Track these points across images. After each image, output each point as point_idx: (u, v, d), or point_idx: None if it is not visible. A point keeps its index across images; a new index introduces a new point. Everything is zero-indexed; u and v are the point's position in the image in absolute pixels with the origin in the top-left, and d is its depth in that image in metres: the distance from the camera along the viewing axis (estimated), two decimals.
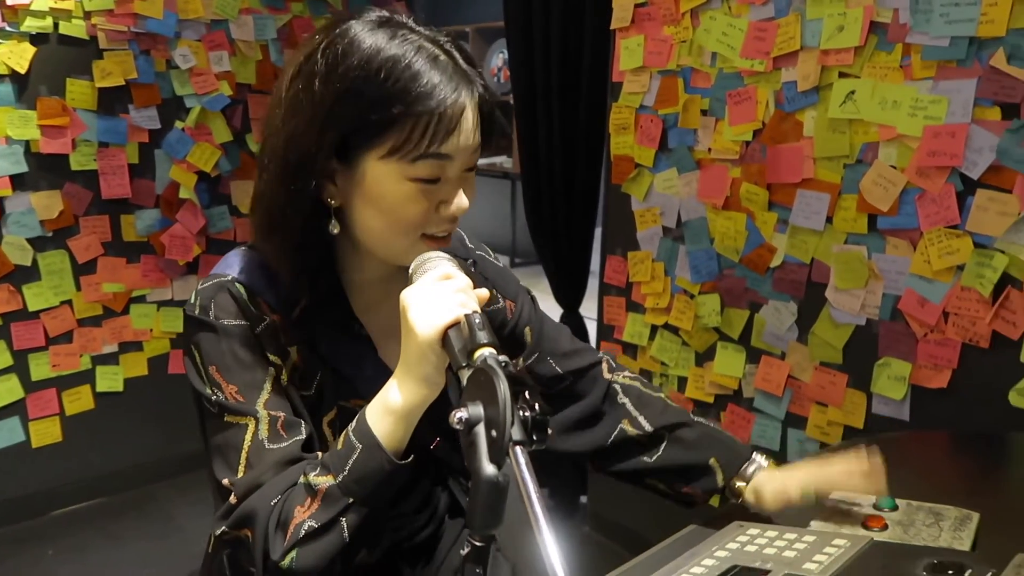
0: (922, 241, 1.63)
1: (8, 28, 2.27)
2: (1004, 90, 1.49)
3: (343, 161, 0.84)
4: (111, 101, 2.48)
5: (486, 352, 0.67)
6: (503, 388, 0.61)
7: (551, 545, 0.54)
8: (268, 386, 0.86)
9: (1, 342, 2.39)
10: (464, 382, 0.69)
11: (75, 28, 2.37)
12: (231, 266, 0.89)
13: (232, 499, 0.82)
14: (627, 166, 2.20)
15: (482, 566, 0.61)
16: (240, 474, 0.83)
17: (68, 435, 2.55)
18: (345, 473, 0.78)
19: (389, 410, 0.79)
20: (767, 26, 1.85)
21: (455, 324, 0.74)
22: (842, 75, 1.73)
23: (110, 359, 2.61)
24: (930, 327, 1.64)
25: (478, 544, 0.61)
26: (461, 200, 0.86)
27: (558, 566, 0.53)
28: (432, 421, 0.84)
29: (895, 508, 1.01)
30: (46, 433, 2.51)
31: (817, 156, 1.79)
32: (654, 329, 2.20)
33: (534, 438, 0.61)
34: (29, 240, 2.40)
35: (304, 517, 0.78)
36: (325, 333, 0.90)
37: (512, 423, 0.59)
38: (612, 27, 2.17)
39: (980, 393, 1.58)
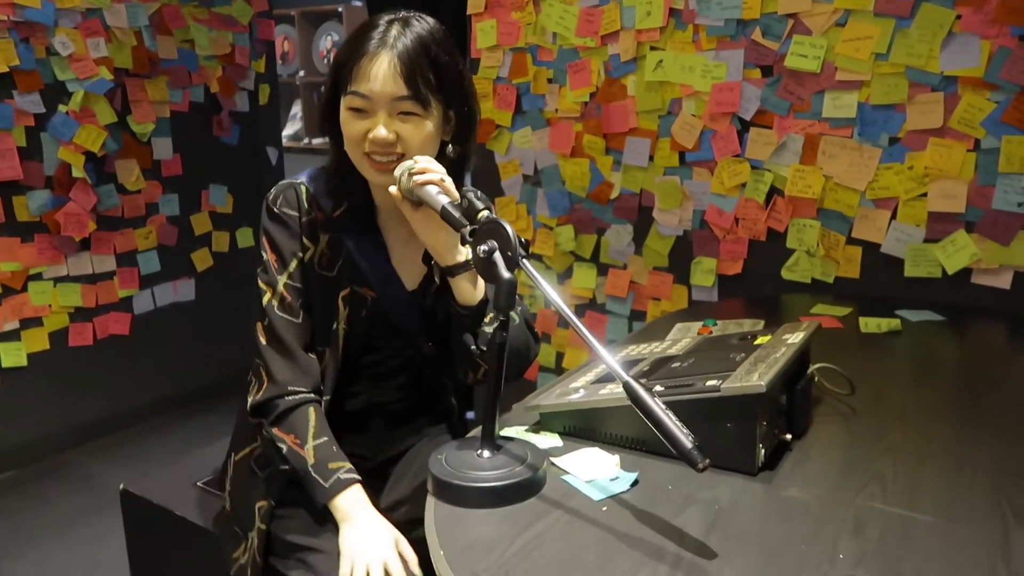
0: (717, 168, 2.24)
1: None
2: (762, 56, 2.12)
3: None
4: None
5: (485, 212, 1.10)
6: (510, 228, 1.05)
7: (574, 319, 1.00)
8: (293, 265, 1.26)
9: None
10: (469, 235, 1.10)
11: None
12: (304, 174, 1.30)
13: (264, 381, 1.23)
14: (489, 127, 2.67)
15: (505, 332, 1.06)
16: (261, 322, 1.25)
17: None
18: (305, 475, 1.17)
19: (341, 508, 1.15)
20: (594, 12, 2.38)
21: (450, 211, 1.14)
22: (652, 48, 2.29)
23: (12, 336, 2.72)
24: (727, 230, 2.26)
25: (503, 319, 1.06)
26: (378, 131, 1.16)
27: (587, 335, 0.98)
28: (425, 330, 1.30)
29: (716, 324, 1.57)
30: None
31: (639, 110, 2.35)
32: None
33: (528, 253, 1.06)
34: None
35: (286, 441, 1.20)
36: (353, 233, 1.29)
37: (520, 245, 1.04)
38: (468, 12, 2.62)
39: (763, 273, 2.22)
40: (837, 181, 2.05)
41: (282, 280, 1.25)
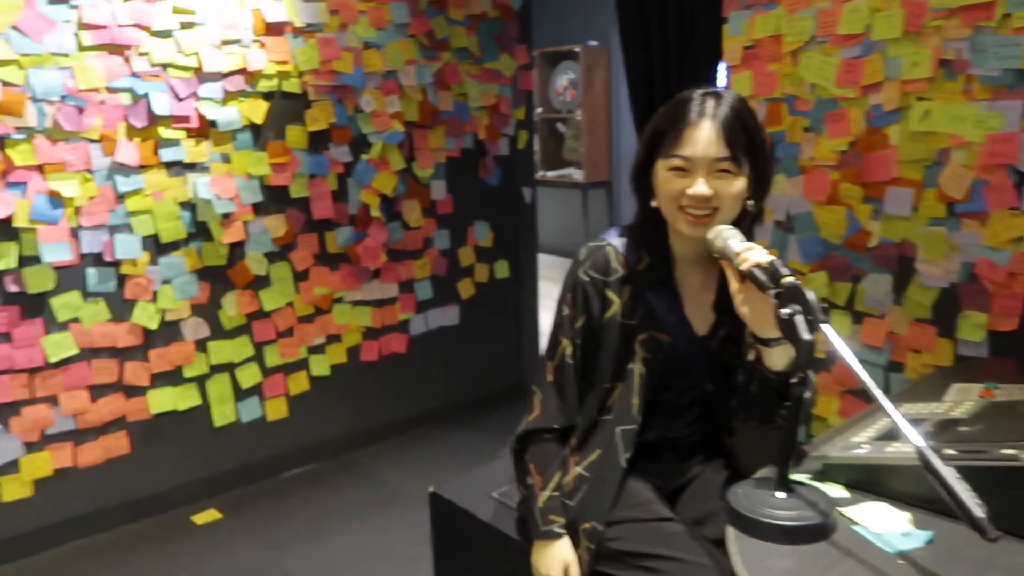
0: (989, 220, 2.19)
1: (248, 89, 2.91)
2: None
3: (653, 169, 1.43)
4: (317, 141, 3.11)
5: (790, 278, 1.24)
6: (812, 294, 1.18)
7: (867, 378, 1.12)
8: (581, 323, 1.49)
9: (246, 336, 3.03)
10: (773, 296, 1.23)
11: (293, 85, 3.01)
12: (610, 235, 1.52)
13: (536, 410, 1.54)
14: None
15: (803, 387, 1.19)
16: (552, 361, 1.52)
17: (292, 411, 3.19)
18: (530, 510, 1.49)
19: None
20: (856, 63, 2.42)
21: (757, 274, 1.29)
22: (919, 98, 2.30)
23: (319, 349, 3.24)
24: (1000, 284, 2.20)
25: (803, 376, 1.19)
26: (696, 188, 1.34)
27: (885, 400, 1.11)
28: (710, 371, 1.47)
29: (999, 388, 1.58)
30: (277, 409, 3.14)
31: (902, 160, 2.35)
32: None
33: (828, 317, 1.19)
34: (264, 254, 3.04)
35: (533, 477, 1.50)
36: (652, 285, 1.49)
37: (821, 311, 1.18)
38: (725, 63, 2.76)
39: None
40: None
41: (578, 335, 1.50)
